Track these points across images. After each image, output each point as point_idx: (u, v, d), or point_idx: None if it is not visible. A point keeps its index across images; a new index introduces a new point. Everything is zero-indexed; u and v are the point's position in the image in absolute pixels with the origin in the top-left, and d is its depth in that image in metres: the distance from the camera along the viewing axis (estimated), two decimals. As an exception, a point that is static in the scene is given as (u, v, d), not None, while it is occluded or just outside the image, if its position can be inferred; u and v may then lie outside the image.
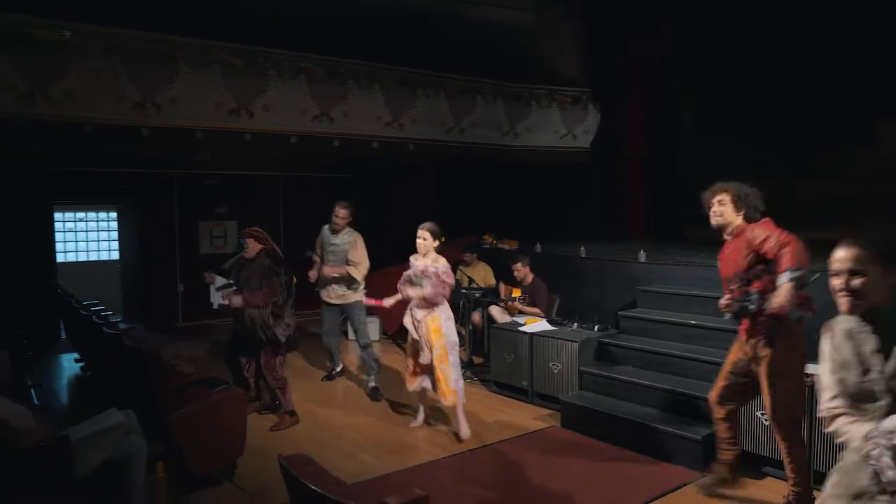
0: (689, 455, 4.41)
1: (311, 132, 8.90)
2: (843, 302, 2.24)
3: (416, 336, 5.07)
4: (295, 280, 5.56)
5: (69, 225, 11.15)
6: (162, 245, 9.92)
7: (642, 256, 6.62)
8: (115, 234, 11.22)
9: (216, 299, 6.01)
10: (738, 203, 3.68)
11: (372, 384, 6.22)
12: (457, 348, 5.11)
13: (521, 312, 6.90)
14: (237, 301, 5.10)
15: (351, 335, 7.69)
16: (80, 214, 11.21)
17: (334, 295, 6.39)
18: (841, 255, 2.26)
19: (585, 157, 11.14)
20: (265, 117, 8.45)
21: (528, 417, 5.52)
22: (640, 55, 10.50)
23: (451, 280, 5.05)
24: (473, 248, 8.45)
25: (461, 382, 5.10)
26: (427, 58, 9.62)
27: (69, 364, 7.65)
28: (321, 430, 5.25)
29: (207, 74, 7.88)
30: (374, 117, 9.39)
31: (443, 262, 5.06)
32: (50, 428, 3.38)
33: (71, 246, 11.16)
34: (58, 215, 10.13)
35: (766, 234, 3.53)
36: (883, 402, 2.08)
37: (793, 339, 3.54)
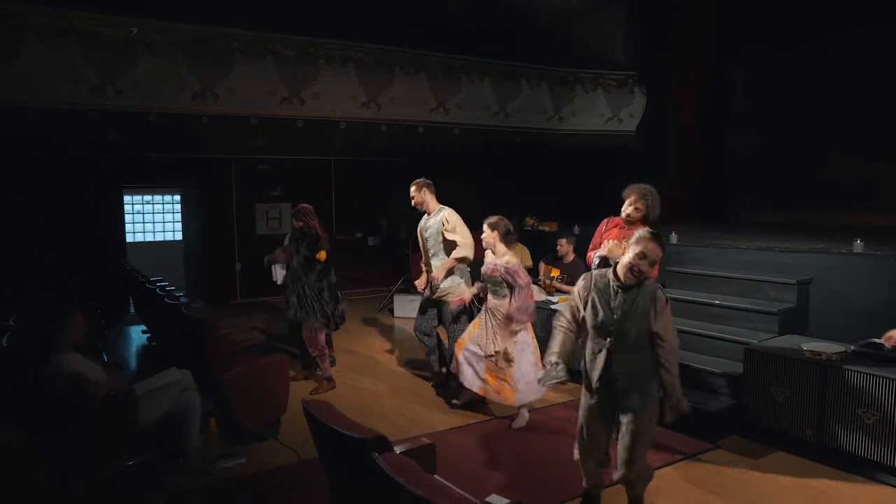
0: (703, 426, 4.61)
1: (360, 118, 9.29)
2: (625, 273, 3.17)
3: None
4: (324, 254, 5.73)
5: (137, 207, 11.89)
6: (221, 226, 10.55)
7: (673, 238, 6.75)
8: (178, 216, 11.91)
9: (279, 277, 6.60)
10: (651, 210, 4.41)
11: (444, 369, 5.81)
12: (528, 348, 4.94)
13: (557, 291, 7.14)
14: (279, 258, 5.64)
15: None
16: (147, 197, 11.93)
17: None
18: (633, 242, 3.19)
19: (631, 141, 11.19)
20: (316, 104, 8.88)
21: (554, 391, 5.77)
22: (689, 36, 10.39)
23: (523, 279, 4.76)
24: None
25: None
26: (472, 44, 9.86)
27: (137, 335, 8.33)
28: (361, 397, 5.66)
29: (261, 65, 8.35)
30: (420, 103, 9.71)
31: (511, 259, 4.81)
32: (119, 383, 3.88)
33: (139, 227, 11.90)
34: (126, 198, 10.86)
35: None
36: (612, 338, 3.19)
37: None
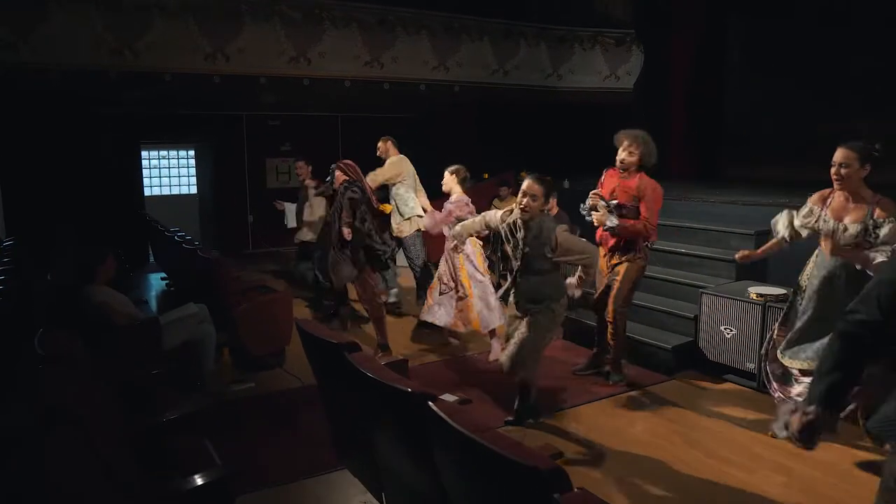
0: (662, 362, 5.18)
1: (363, 77, 9.72)
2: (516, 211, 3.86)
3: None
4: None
5: (154, 162, 12.42)
6: (233, 180, 11.08)
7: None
8: (193, 171, 12.44)
9: (291, 221, 7.14)
10: (644, 155, 4.56)
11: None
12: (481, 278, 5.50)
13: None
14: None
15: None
16: (164, 153, 12.44)
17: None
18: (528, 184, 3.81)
19: (628, 98, 11.50)
20: (321, 64, 9.33)
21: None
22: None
23: (454, 208, 5.40)
24: (508, 184, 9.19)
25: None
26: (472, 3, 10.17)
27: (156, 281, 8.97)
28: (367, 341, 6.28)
29: (269, 26, 8.79)
30: (422, 62, 10.11)
31: (454, 196, 5.50)
32: (144, 314, 4.49)
33: (155, 181, 12.45)
34: (144, 153, 11.38)
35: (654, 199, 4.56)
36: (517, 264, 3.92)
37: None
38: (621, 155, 4.58)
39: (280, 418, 4.36)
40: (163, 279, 8.71)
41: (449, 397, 3.69)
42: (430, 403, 1.96)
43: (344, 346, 2.51)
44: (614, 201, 4.55)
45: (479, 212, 5.67)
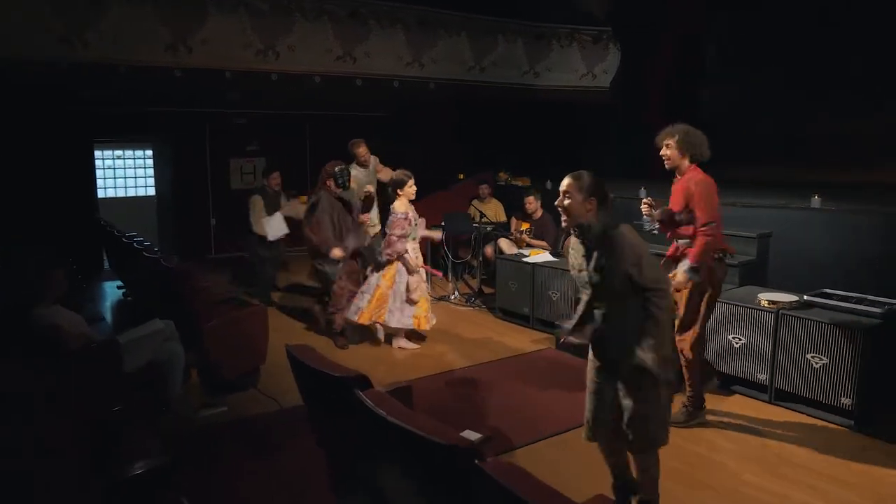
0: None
1: (335, 72, 9.25)
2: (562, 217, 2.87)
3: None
4: None
5: (108, 162, 11.74)
6: (195, 181, 10.49)
7: (643, 193, 6.92)
8: (150, 171, 11.80)
9: (274, 234, 6.68)
10: (682, 148, 3.96)
11: None
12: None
13: (528, 245, 7.34)
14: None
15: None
16: (119, 152, 11.77)
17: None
18: (562, 182, 2.83)
19: (605, 97, 11.28)
20: (291, 58, 8.81)
21: (527, 341, 6.01)
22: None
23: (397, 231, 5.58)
24: (487, 183, 8.87)
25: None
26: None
27: (112, 290, 8.37)
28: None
29: (235, 17, 8.24)
30: (396, 57, 9.68)
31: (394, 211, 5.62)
32: (99, 335, 3.97)
33: (110, 182, 11.77)
34: (97, 153, 10.70)
35: (699, 194, 3.92)
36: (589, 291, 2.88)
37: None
38: (664, 153, 4.02)
39: (258, 447, 3.90)
40: (119, 288, 8.13)
41: (471, 434, 3.27)
42: (477, 462, 1.56)
43: (352, 380, 2.09)
44: (666, 209, 4.01)
45: (459, 210, 5.57)
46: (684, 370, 4.16)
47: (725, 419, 4.27)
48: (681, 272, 3.92)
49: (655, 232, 4.17)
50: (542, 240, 7.35)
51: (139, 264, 5.82)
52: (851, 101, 8.43)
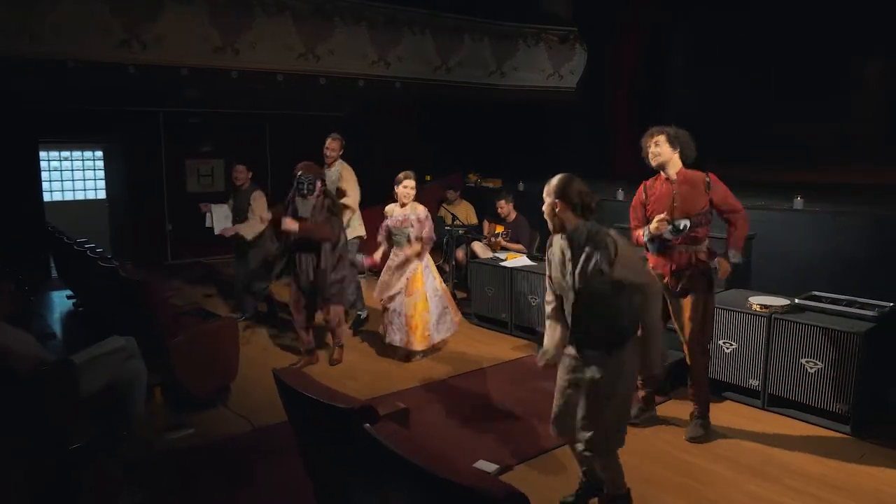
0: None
1: (297, 70, 8.90)
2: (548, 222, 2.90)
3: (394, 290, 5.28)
4: None
5: (54, 164, 11.12)
6: (149, 183, 9.99)
7: (620, 195, 6.81)
8: (101, 174, 11.22)
9: (218, 226, 6.22)
10: (673, 142, 3.87)
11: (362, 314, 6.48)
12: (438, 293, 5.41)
13: (503, 248, 7.14)
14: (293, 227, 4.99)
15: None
16: (66, 153, 11.17)
17: None
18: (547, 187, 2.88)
19: (571, 97, 11.18)
20: (251, 55, 8.44)
21: (507, 348, 5.80)
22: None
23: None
24: (456, 187, 8.62)
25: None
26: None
27: (61, 300, 7.85)
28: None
29: (192, 11, 7.83)
30: (361, 55, 9.38)
31: (422, 209, 5.17)
32: (52, 354, 3.59)
33: (57, 185, 11.15)
34: (43, 154, 10.10)
35: (720, 188, 3.93)
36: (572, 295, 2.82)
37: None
38: (651, 150, 3.86)
39: (232, 475, 3.57)
40: (69, 298, 7.63)
41: (485, 465, 3.02)
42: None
43: (358, 412, 1.83)
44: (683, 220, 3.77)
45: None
46: (692, 384, 4.07)
47: (719, 426, 4.13)
48: (732, 261, 3.97)
49: (671, 244, 3.88)
50: (518, 243, 7.16)
51: (92, 273, 5.40)
52: (819, 103, 8.51)
